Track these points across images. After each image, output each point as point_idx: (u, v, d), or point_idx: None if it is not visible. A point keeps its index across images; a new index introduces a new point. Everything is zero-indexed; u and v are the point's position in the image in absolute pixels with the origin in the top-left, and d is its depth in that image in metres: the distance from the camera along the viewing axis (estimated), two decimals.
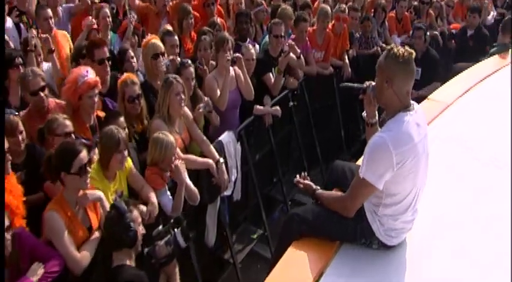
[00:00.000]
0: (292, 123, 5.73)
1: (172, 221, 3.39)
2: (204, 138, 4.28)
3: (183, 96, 4.01)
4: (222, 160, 4.24)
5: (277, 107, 5.13)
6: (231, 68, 4.71)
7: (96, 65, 4.20)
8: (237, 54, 4.69)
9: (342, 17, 6.29)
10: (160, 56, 4.40)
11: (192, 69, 4.37)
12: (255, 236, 5.13)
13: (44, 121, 3.55)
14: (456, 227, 3.08)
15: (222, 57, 4.57)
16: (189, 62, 4.44)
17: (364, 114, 2.95)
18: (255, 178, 5.00)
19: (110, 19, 5.32)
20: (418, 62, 3.09)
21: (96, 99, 3.83)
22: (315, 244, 2.85)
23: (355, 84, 2.96)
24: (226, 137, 4.57)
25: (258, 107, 5.04)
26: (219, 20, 5.87)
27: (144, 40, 4.63)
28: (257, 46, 5.72)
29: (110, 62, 4.30)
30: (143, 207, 3.39)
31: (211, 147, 4.27)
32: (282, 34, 5.23)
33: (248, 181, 5.07)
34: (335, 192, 2.89)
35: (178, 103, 4.00)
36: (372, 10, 7.62)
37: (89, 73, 3.78)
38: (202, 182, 4.21)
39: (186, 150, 4.27)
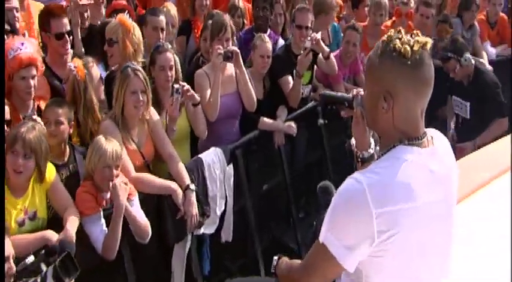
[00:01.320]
0: (321, 147, 4.43)
1: (43, 251, 2.37)
2: (174, 153, 3.24)
3: (141, 97, 3.02)
4: (193, 186, 3.17)
5: (291, 123, 3.94)
6: (230, 65, 3.58)
7: (53, 39, 3.34)
8: (233, 48, 3.53)
9: (404, 12, 4.84)
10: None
11: (169, 54, 3.31)
12: None
13: None
14: None
15: (214, 49, 3.46)
16: (167, 45, 3.39)
17: (351, 142, 1.81)
18: (252, 216, 3.80)
19: None
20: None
21: (34, 82, 3.00)
22: None
23: (339, 94, 1.97)
24: (210, 155, 3.47)
25: (265, 120, 3.87)
26: (242, 3, 4.65)
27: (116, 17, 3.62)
28: (281, 40, 4.49)
29: (71, 38, 3.41)
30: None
31: (181, 166, 3.21)
32: (309, 25, 3.98)
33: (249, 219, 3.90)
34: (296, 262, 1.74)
35: (133, 104, 3.03)
36: (457, 7, 5.63)
37: (24, 46, 2.98)
38: (165, 212, 3.18)
39: (148, 168, 3.23)
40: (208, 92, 3.55)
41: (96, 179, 2.84)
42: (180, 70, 3.52)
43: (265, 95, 4.04)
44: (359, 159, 1.77)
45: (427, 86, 1.47)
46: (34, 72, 3.00)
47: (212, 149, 3.50)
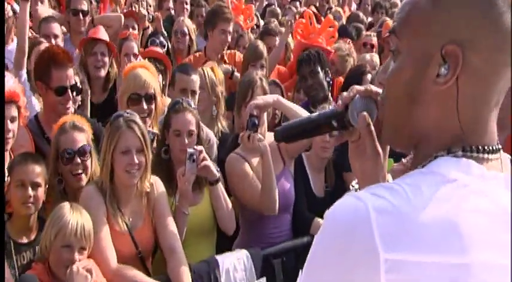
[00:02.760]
0: None
1: None
2: (177, 247, 2.38)
3: (136, 159, 2.27)
4: None
5: None
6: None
7: (51, 94, 2.71)
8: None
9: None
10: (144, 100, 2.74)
11: (189, 116, 2.55)
12: None
13: None
14: None
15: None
16: (188, 103, 2.62)
17: (352, 185, 1.15)
18: None
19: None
20: None
21: (13, 127, 2.39)
22: None
23: (313, 115, 1.12)
24: (232, 258, 2.48)
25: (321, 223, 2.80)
26: None
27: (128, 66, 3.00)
28: None
29: (75, 94, 2.79)
30: None
31: (184, 269, 2.27)
32: None
33: None
34: None
35: (125, 168, 2.28)
36: None
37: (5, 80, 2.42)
38: None
39: (141, 261, 2.33)
40: (254, 178, 2.66)
41: (51, 261, 2.06)
42: (214, 149, 2.82)
43: (327, 191, 3.07)
44: None
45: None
46: (14, 112, 2.38)
47: (237, 250, 2.55)
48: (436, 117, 0.88)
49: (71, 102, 2.75)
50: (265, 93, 2.82)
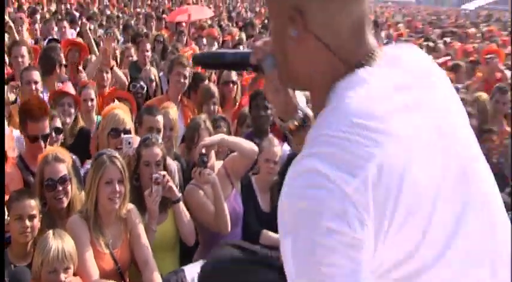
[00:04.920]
0: None
1: None
2: (150, 260, 2.91)
3: (118, 188, 2.81)
4: None
5: None
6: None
7: (27, 140, 3.23)
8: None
9: None
10: (122, 134, 3.31)
11: (157, 150, 3.09)
12: None
13: None
14: None
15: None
16: (156, 138, 3.18)
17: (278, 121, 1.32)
18: None
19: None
20: None
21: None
22: None
23: (230, 51, 1.42)
24: (197, 267, 2.95)
25: (269, 234, 3.39)
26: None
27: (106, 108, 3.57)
28: (286, 146, 4.06)
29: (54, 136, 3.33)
30: None
31: (156, 276, 2.82)
32: None
33: None
34: None
35: (108, 196, 2.81)
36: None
37: None
38: None
39: (120, 276, 2.85)
40: (208, 203, 3.23)
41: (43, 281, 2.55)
42: (176, 175, 3.34)
43: (273, 207, 3.63)
44: (290, 132, 1.27)
45: None
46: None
47: (200, 261, 3.04)
48: (310, 64, 1.02)
49: (43, 148, 3.15)
50: (209, 133, 3.46)
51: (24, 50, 4.81)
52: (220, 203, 3.19)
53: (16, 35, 6.25)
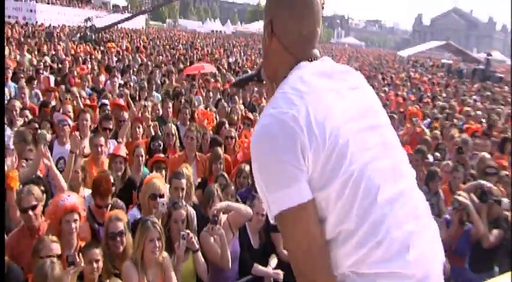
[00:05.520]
0: None
1: None
2: None
3: (157, 244, 3.56)
4: None
5: (279, 271, 4.42)
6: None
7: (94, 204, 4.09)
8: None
9: None
10: (158, 198, 4.16)
11: (183, 211, 4.02)
12: None
13: (33, 240, 3.40)
14: None
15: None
16: (183, 203, 4.11)
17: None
18: None
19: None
20: None
21: (76, 225, 3.62)
22: None
23: (246, 75, 2.01)
24: None
25: (258, 267, 4.37)
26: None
27: (147, 176, 4.52)
28: None
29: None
30: None
31: None
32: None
33: None
34: None
35: (151, 250, 3.56)
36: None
37: (70, 197, 3.64)
38: None
39: None
40: (216, 247, 4.12)
41: None
42: (194, 221, 4.27)
43: (261, 244, 4.51)
44: None
45: (304, 4, 1.39)
46: (76, 217, 3.53)
47: None
48: (276, 60, 1.41)
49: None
50: (220, 199, 4.26)
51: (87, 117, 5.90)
52: (224, 249, 3.94)
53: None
